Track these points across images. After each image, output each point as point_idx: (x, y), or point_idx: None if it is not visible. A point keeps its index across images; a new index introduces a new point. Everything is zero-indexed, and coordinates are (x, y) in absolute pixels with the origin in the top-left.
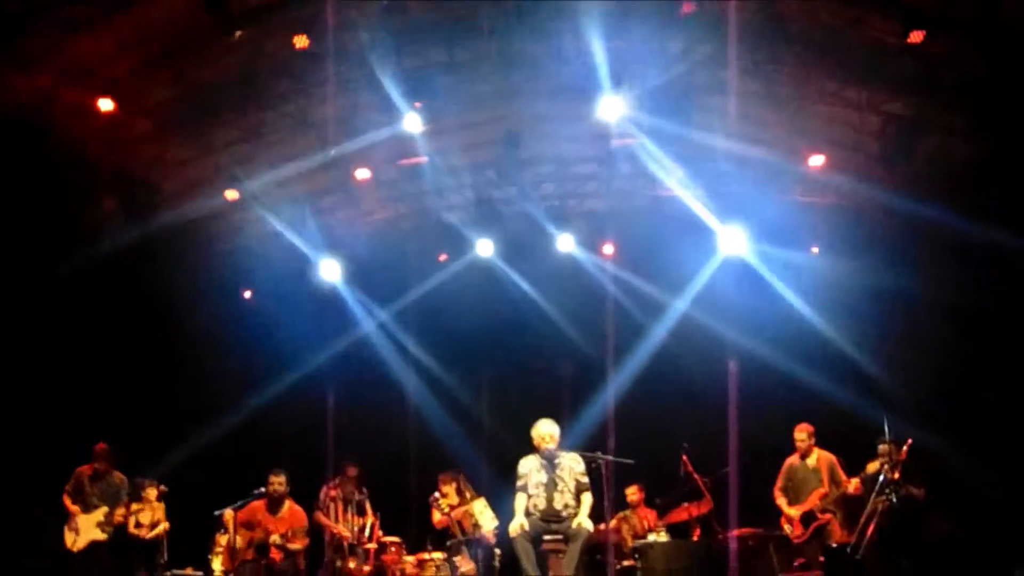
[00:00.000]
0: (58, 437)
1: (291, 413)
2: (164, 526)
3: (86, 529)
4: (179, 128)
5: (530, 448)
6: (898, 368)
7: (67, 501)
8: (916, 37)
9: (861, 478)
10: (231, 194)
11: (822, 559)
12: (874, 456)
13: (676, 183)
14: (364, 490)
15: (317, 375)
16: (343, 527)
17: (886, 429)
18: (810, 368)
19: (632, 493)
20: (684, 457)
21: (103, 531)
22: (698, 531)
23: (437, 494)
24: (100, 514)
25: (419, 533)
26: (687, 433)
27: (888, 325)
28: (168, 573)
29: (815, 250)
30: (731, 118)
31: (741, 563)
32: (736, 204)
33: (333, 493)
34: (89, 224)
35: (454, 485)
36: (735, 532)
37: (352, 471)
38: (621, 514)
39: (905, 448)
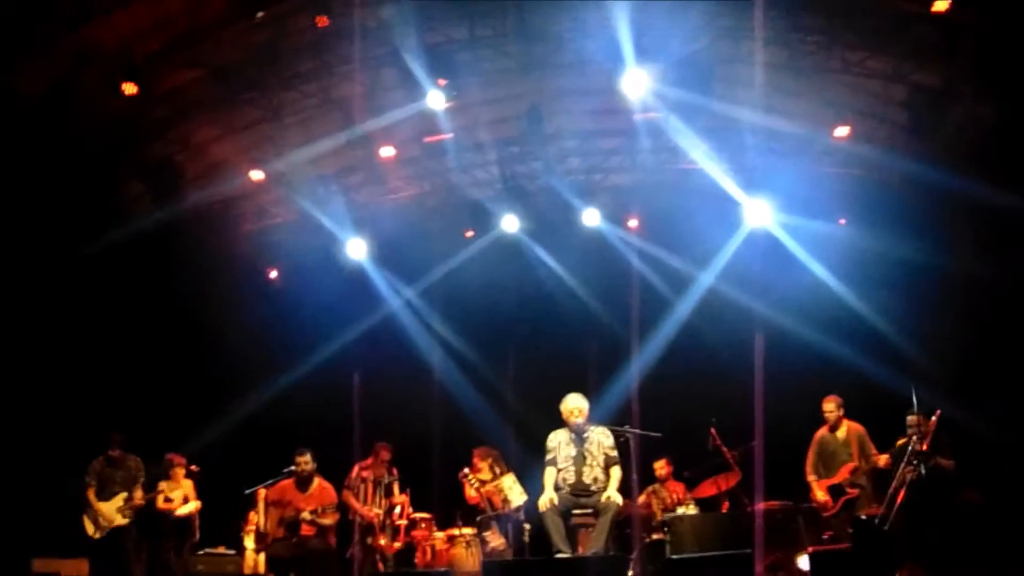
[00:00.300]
0: (86, 418)
1: (318, 392)
2: (196, 505)
3: (108, 515)
4: (203, 110)
5: (556, 423)
6: (927, 340)
7: (90, 494)
8: (941, 6)
9: (891, 453)
10: (256, 175)
11: (851, 531)
12: (903, 430)
13: (701, 156)
14: (394, 471)
15: (343, 354)
16: (371, 509)
17: (914, 401)
18: (837, 341)
19: (660, 467)
20: (712, 431)
21: (124, 515)
22: (727, 504)
23: (467, 470)
24: (120, 499)
25: (446, 509)
26: (713, 407)
27: (916, 296)
28: (200, 552)
29: (842, 222)
30: (756, 89)
31: (769, 536)
32: (761, 176)
33: (365, 474)
34: (115, 207)
35: (488, 461)
36: (762, 505)
37: (385, 454)
38: (650, 488)
39: (934, 419)
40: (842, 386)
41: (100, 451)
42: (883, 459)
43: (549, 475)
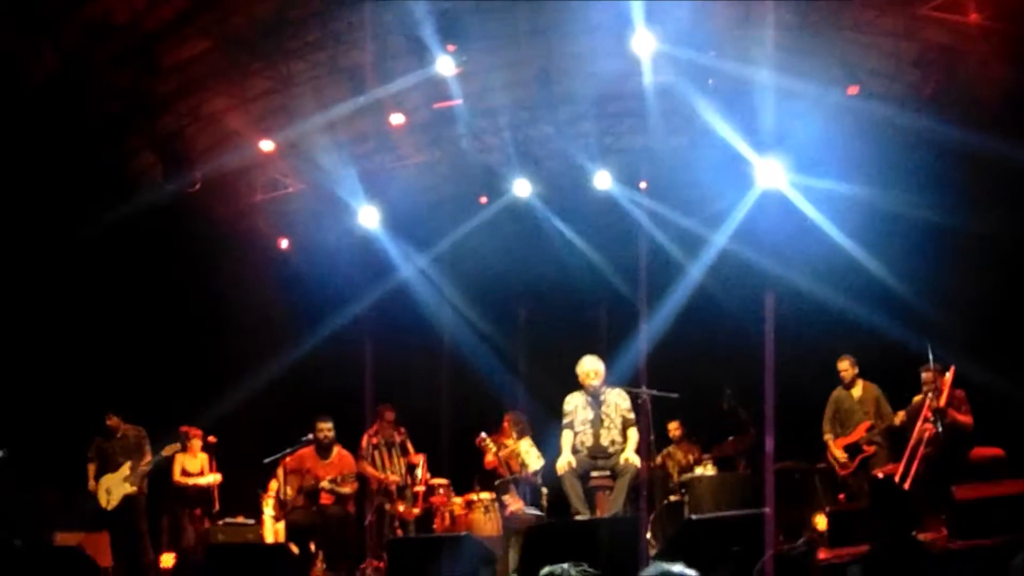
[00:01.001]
0: (99, 392)
1: (330, 362)
2: (217, 477)
3: (116, 486)
4: (212, 80)
5: (568, 388)
6: (942, 298)
7: (90, 470)
8: None
9: (907, 411)
10: (266, 145)
11: (868, 490)
12: (917, 387)
13: (712, 116)
14: (402, 429)
15: (355, 323)
16: (391, 473)
17: (930, 357)
18: (851, 301)
19: (674, 428)
20: (726, 395)
21: (132, 483)
22: (742, 464)
23: (484, 435)
24: (126, 468)
25: (460, 476)
26: (726, 368)
27: (932, 255)
28: (220, 522)
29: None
30: (767, 49)
31: (786, 496)
32: (773, 136)
33: (375, 440)
34: (126, 181)
35: (519, 426)
36: (777, 466)
37: (389, 414)
38: (665, 450)
39: (948, 375)
40: (857, 346)
41: (101, 426)
42: (899, 416)
43: (567, 438)
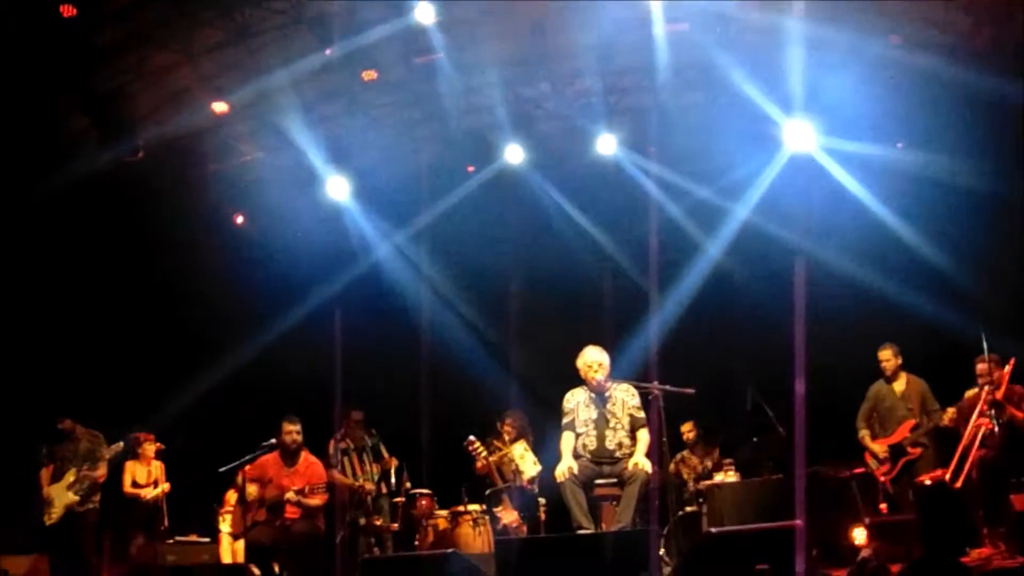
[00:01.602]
0: (34, 393)
1: (295, 353)
2: (164, 487)
3: (58, 496)
4: (154, 32)
5: (567, 383)
6: (995, 277)
7: (43, 476)
8: None
9: (957, 407)
10: (219, 106)
11: (912, 498)
12: (968, 380)
13: (732, 71)
14: (374, 432)
15: (324, 310)
16: (364, 480)
17: (984, 346)
18: (892, 281)
19: (688, 430)
20: (751, 389)
21: (75, 493)
22: (768, 470)
23: (472, 437)
24: (70, 475)
25: (442, 484)
26: (750, 360)
27: (983, 228)
28: (170, 540)
29: (899, 145)
30: None
31: (819, 504)
32: (804, 94)
33: (343, 444)
34: (57, 146)
35: (517, 427)
36: (808, 470)
37: (357, 415)
38: (678, 456)
39: (1008, 367)
40: (899, 333)
41: (51, 431)
42: (948, 414)
43: (567, 441)
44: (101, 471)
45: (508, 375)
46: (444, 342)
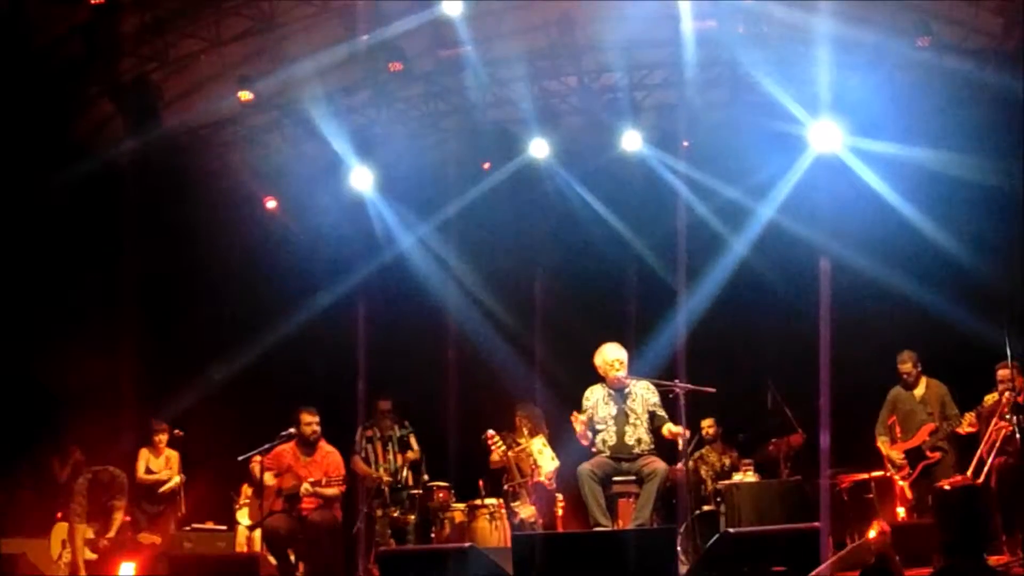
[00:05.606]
0: (54, 377)
1: (319, 343)
2: (179, 478)
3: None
4: (180, 19)
5: (591, 379)
6: (1021, 280)
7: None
8: None
9: (977, 412)
10: (245, 95)
11: (932, 502)
12: (993, 385)
13: (759, 70)
14: (406, 423)
15: (346, 301)
16: (382, 470)
17: (1008, 351)
18: (917, 283)
19: (708, 427)
20: (771, 390)
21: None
22: (787, 470)
23: (491, 431)
24: (89, 532)
25: (464, 478)
26: (773, 359)
27: (1010, 230)
28: (187, 528)
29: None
30: None
31: (838, 507)
32: (831, 94)
33: (369, 433)
34: (83, 133)
35: (532, 422)
36: (829, 472)
37: (385, 405)
38: (697, 453)
39: None
40: (923, 336)
41: (77, 417)
42: (968, 419)
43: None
44: (117, 518)
45: (532, 369)
46: (468, 336)
